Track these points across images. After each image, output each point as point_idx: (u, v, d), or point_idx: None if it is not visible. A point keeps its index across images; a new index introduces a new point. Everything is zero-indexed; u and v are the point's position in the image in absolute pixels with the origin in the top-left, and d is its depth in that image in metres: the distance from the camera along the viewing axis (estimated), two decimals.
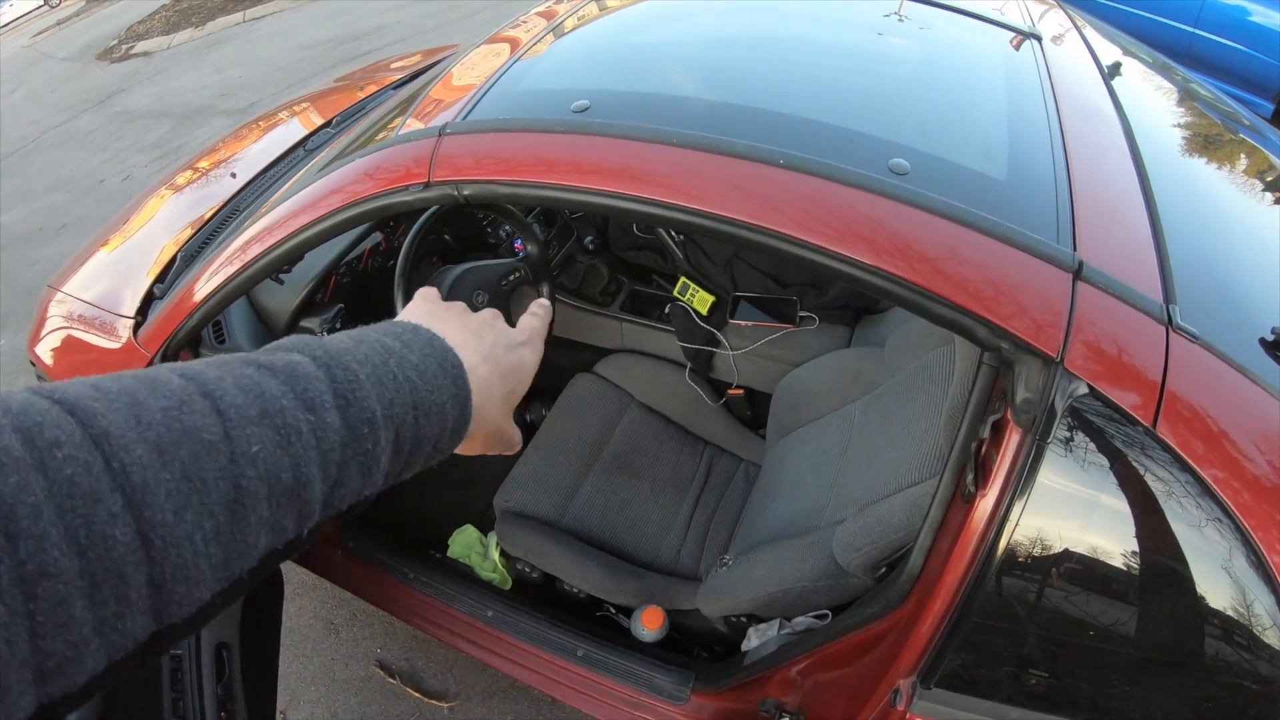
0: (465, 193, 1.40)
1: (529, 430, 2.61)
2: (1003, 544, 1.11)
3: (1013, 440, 1.11)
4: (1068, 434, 1.06)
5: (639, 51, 1.76)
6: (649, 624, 1.96)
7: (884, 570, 1.53)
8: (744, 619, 1.84)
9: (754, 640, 1.77)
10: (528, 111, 1.46)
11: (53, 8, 27.28)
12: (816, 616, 1.70)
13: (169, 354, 1.93)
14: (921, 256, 1.11)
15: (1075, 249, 1.12)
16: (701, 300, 2.54)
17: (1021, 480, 1.08)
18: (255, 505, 0.42)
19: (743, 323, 2.53)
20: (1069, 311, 1.06)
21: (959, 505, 1.23)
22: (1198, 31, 5.47)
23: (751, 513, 2.15)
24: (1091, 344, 1.05)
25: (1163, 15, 5.63)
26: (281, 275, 2.07)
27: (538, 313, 0.80)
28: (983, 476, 1.16)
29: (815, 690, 1.63)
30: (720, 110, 1.41)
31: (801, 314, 2.48)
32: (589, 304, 2.74)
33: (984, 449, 1.19)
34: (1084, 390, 1.04)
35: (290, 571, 2.43)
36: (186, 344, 1.94)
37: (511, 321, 2.10)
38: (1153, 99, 1.96)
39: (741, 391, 2.55)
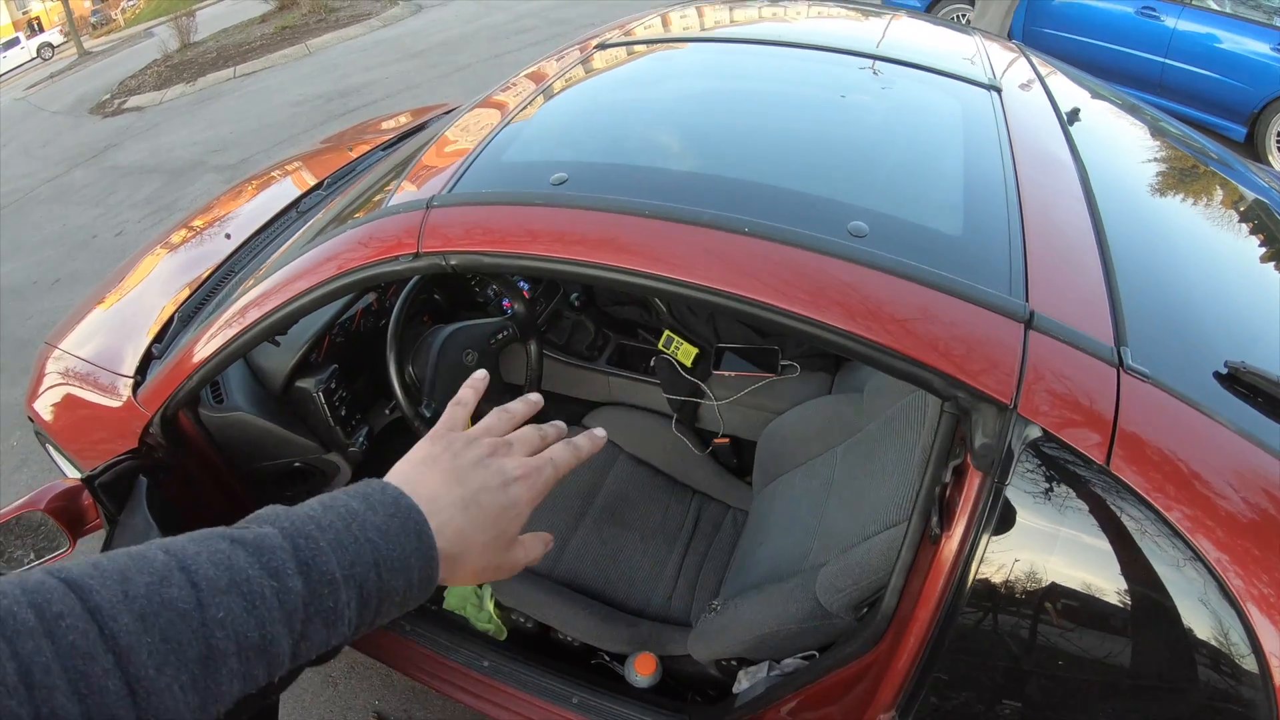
0: (452, 262, 1.46)
1: None
2: (969, 582, 1.15)
3: (974, 484, 1.15)
4: (1026, 475, 1.10)
5: (613, 122, 1.82)
6: (642, 670, 1.98)
7: (865, 610, 1.56)
8: (734, 662, 1.87)
9: (744, 683, 1.80)
10: (510, 184, 1.52)
11: (46, 61, 27.54)
12: (804, 658, 1.73)
13: (168, 413, 1.96)
14: (878, 314, 1.17)
15: (1027, 299, 1.17)
16: (686, 352, 2.60)
17: (983, 521, 1.13)
18: (225, 660, 0.51)
19: (726, 373, 2.57)
20: (1021, 360, 1.11)
21: (927, 547, 1.27)
22: (1168, 61, 5.58)
23: (740, 558, 2.18)
24: (1044, 389, 1.10)
25: (1133, 48, 5.75)
26: (277, 337, 2.12)
27: (554, 450, 0.77)
28: (947, 519, 1.21)
29: None
30: (690, 180, 1.47)
31: (783, 362, 2.53)
32: (576, 359, 2.80)
33: (947, 493, 1.24)
34: (1038, 434, 1.09)
35: None
36: (186, 404, 1.98)
37: (502, 380, 2.12)
38: (1112, 142, 2.02)
39: (727, 440, 2.58)
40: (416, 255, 1.48)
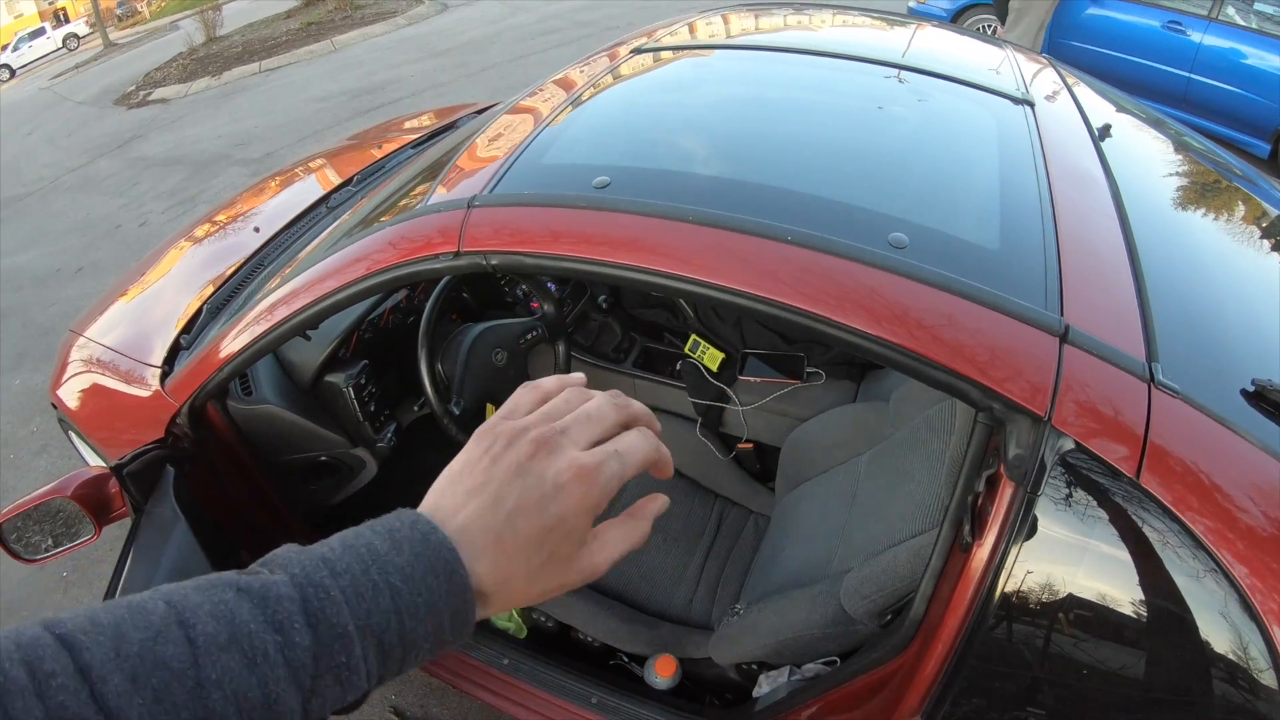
0: (493, 262, 1.48)
1: None
2: (999, 591, 1.17)
3: (1006, 493, 1.17)
4: (1057, 486, 1.12)
5: (654, 127, 1.84)
6: (662, 672, 1.98)
7: (889, 617, 1.57)
8: (755, 666, 1.88)
9: (765, 687, 1.81)
10: (551, 186, 1.53)
11: (71, 51, 27.79)
12: (825, 663, 1.74)
13: (196, 405, 1.99)
14: (918, 324, 1.18)
15: (1062, 313, 1.19)
16: (712, 357, 2.61)
17: (1014, 530, 1.15)
18: None
19: (752, 379, 2.59)
20: (1056, 373, 1.13)
21: (958, 554, 1.29)
22: (1193, 76, 5.55)
23: (761, 563, 2.19)
24: (1077, 402, 1.12)
25: (1159, 61, 5.72)
26: (308, 331, 2.14)
27: (624, 440, 0.63)
28: (978, 527, 1.22)
29: None
30: (733, 187, 1.49)
31: (809, 370, 2.54)
32: (603, 361, 2.81)
33: (979, 501, 1.25)
34: (1071, 446, 1.11)
35: None
36: (214, 395, 2.00)
37: (528, 375, 2.10)
38: (1142, 159, 2.03)
39: (751, 445, 2.60)
40: (457, 254, 1.50)
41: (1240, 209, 1.98)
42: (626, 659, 2.14)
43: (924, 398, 1.92)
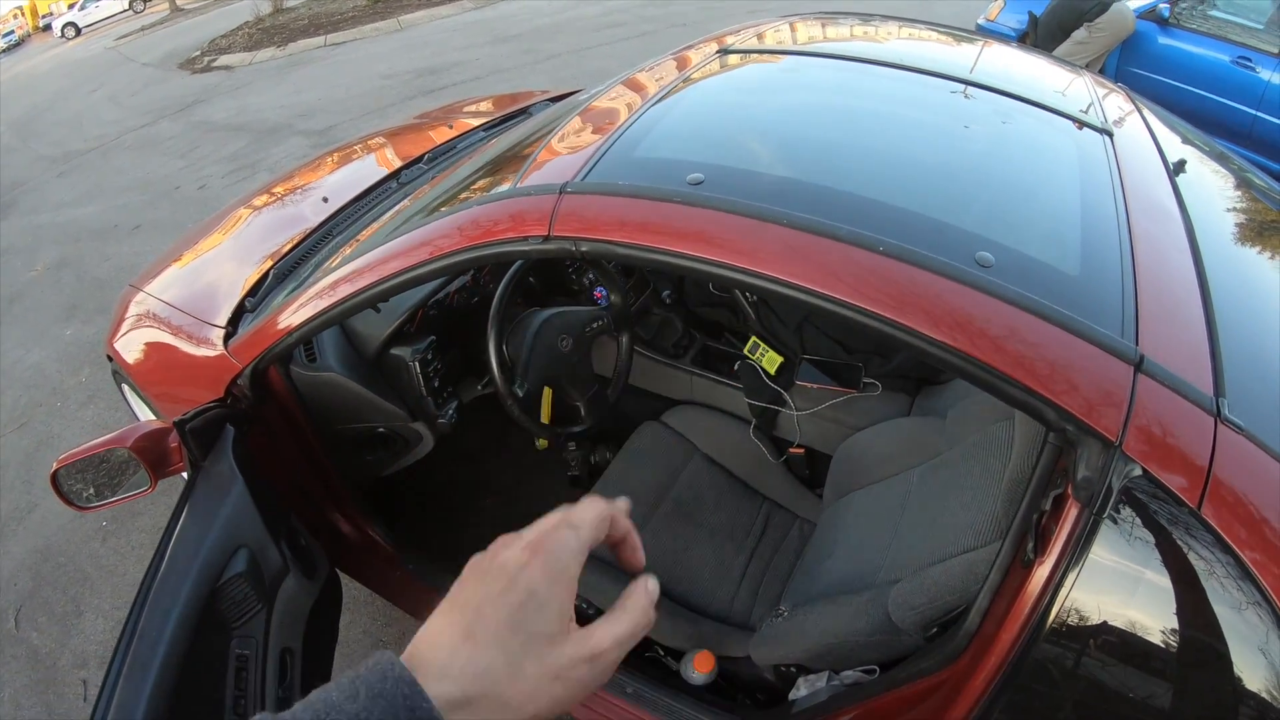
0: (583, 249, 1.50)
1: (594, 473, 2.69)
2: (1055, 610, 1.19)
3: (1071, 514, 1.19)
4: (1121, 510, 1.14)
5: (746, 129, 1.85)
6: (700, 668, 2.00)
7: (935, 630, 1.59)
8: (794, 669, 1.90)
9: (803, 690, 1.83)
10: (644, 179, 1.55)
11: (137, 13, 28.12)
12: (865, 671, 1.76)
13: (259, 369, 2.03)
14: (1002, 342, 1.20)
15: (1137, 343, 1.20)
16: (770, 360, 2.63)
17: (1077, 551, 1.17)
18: None
19: (808, 384, 2.60)
20: (1129, 400, 1.15)
21: (1017, 571, 1.30)
22: (1259, 114, 5.48)
23: (805, 568, 2.20)
24: (1147, 430, 1.13)
25: (1225, 97, 5.64)
26: (379, 304, 2.18)
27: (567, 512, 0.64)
28: (1041, 545, 1.24)
29: None
30: (826, 194, 1.50)
31: (865, 380, 2.55)
32: (661, 355, 2.84)
33: (1044, 520, 1.27)
34: (1138, 472, 1.12)
35: (343, 585, 2.45)
36: (279, 359, 2.04)
37: (592, 369, 2.08)
38: (1213, 195, 2.03)
39: (802, 451, 2.61)
40: (546, 238, 1.52)
41: None
42: (663, 652, 2.16)
43: (982, 416, 1.93)
